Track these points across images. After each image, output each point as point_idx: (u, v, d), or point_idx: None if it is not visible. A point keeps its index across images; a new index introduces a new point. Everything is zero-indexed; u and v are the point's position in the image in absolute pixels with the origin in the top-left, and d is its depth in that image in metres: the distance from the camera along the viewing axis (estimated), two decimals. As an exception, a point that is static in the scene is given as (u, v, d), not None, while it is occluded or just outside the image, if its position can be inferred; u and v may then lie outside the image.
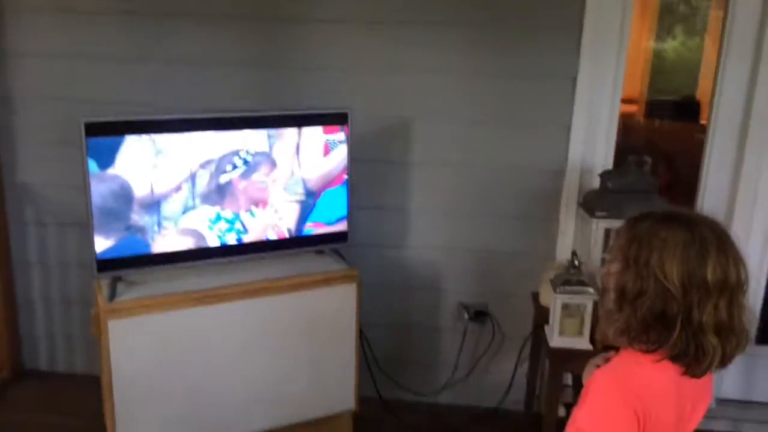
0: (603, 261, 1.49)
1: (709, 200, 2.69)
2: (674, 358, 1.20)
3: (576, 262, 2.23)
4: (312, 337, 2.42)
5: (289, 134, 2.34)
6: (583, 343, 2.24)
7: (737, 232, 1.25)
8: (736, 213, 2.66)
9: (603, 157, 2.65)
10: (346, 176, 2.45)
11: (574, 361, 2.22)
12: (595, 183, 2.54)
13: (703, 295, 1.17)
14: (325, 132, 2.39)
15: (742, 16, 2.52)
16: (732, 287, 1.18)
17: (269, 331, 2.36)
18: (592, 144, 2.62)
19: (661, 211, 1.27)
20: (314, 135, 2.37)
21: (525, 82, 2.58)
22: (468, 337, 2.85)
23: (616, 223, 2.23)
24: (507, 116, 2.63)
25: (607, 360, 1.42)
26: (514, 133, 2.64)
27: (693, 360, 1.19)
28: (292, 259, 2.48)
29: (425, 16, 2.56)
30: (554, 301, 2.23)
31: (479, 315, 2.82)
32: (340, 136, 2.41)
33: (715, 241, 1.18)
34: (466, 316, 2.82)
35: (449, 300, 2.86)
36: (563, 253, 2.65)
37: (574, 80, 2.54)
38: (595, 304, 2.18)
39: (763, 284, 2.75)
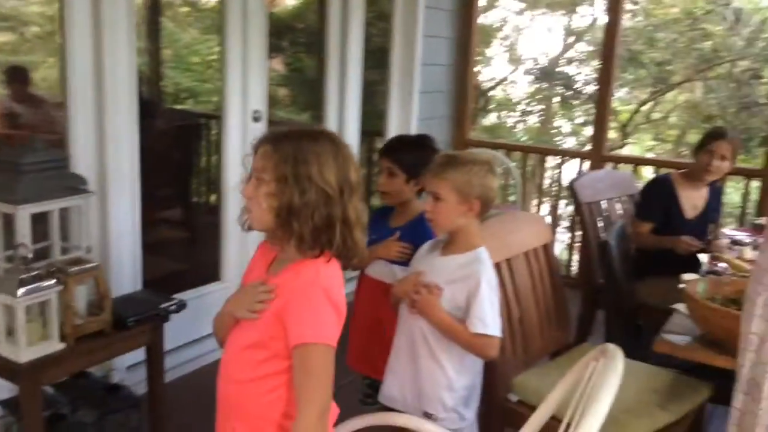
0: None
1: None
2: (338, 256, 1.35)
3: (27, 255, 1.88)
4: None
5: None
6: (56, 345, 1.94)
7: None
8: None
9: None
10: None
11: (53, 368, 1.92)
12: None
13: (350, 195, 1.35)
14: None
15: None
16: (360, 187, 1.40)
17: None
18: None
19: (296, 129, 1.38)
20: None
21: None
22: None
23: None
24: None
25: None
26: None
27: (350, 255, 1.37)
28: None
29: None
30: (15, 309, 1.83)
31: None
32: None
33: (345, 147, 1.37)
34: None
35: None
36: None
37: None
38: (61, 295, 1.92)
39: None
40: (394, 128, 4.53)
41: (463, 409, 1.84)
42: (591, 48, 9.57)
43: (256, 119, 3.45)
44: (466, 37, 4.89)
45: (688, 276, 2.34)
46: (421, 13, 4.41)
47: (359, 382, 2.39)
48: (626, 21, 7.20)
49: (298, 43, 4.70)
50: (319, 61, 4.09)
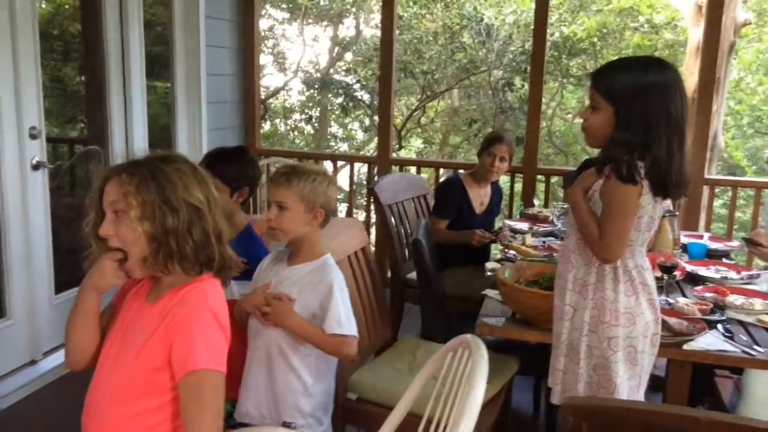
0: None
1: None
2: (219, 272, 1.32)
3: None
4: None
5: None
6: None
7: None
8: None
9: None
10: None
11: None
12: None
13: (215, 209, 1.33)
14: None
15: None
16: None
17: None
18: None
19: (144, 156, 1.35)
20: None
21: None
22: None
23: None
24: None
25: None
26: None
27: (229, 269, 1.34)
28: None
29: None
30: None
31: None
32: None
33: (196, 164, 1.39)
34: None
35: None
36: None
37: None
38: None
39: None
40: (183, 141, 4.38)
41: (321, 414, 1.88)
42: (359, 58, 10.04)
43: (33, 136, 3.14)
44: (249, 47, 4.88)
45: (490, 265, 2.61)
46: (202, 22, 4.32)
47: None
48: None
49: (53, 50, 4.31)
50: (82, 70, 3.82)
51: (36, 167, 3.21)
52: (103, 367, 1.35)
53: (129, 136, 3.83)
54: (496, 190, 3.63)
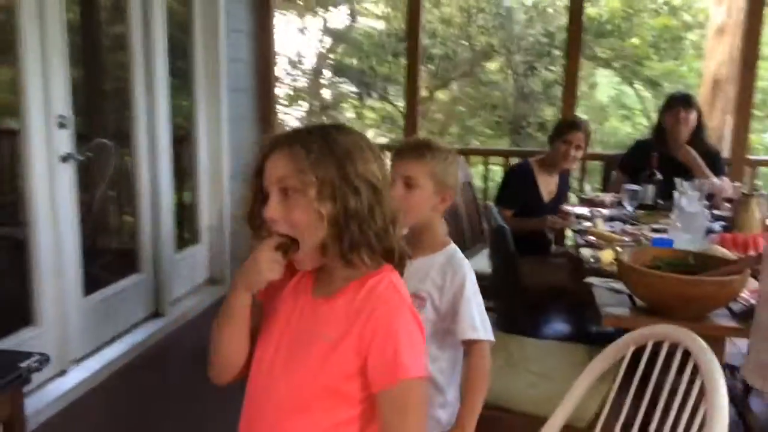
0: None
1: None
2: (399, 263, 1.11)
3: None
4: None
5: None
6: None
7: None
8: None
9: None
10: None
11: None
12: None
13: (388, 188, 1.13)
14: None
15: None
16: None
17: None
18: None
19: (309, 125, 1.14)
20: None
21: None
22: None
23: None
24: None
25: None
26: None
27: (405, 260, 1.13)
28: None
29: None
30: None
31: None
32: None
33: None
34: None
35: None
36: None
37: None
38: None
39: None
40: (203, 131, 4.13)
41: (452, 418, 1.67)
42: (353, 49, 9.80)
43: (62, 125, 2.86)
44: (266, 31, 4.63)
45: (587, 252, 2.43)
46: (222, 4, 4.07)
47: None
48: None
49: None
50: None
51: (65, 159, 2.93)
52: (269, 374, 1.14)
53: (153, 124, 3.55)
54: (564, 178, 3.47)
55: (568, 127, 3.31)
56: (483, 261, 3.03)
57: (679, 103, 3.46)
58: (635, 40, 8.22)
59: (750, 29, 4.04)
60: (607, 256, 2.27)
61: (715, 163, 3.45)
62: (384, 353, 1.06)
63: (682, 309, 1.78)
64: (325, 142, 1.08)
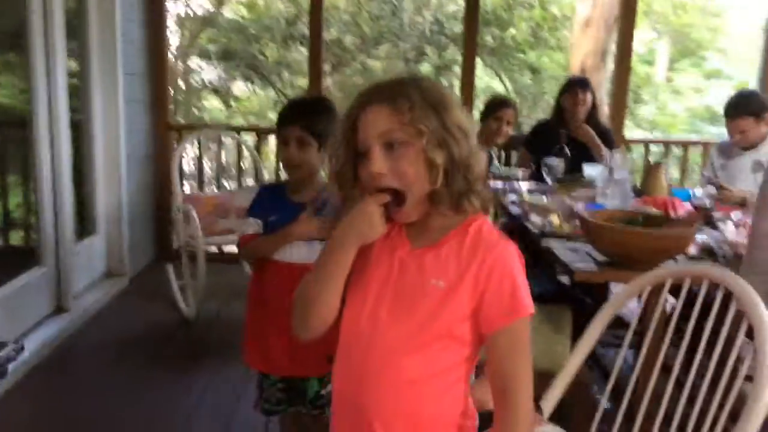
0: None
1: None
2: (486, 210, 1.13)
3: None
4: None
5: None
6: None
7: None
8: None
9: None
10: None
11: None
12: None
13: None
14: None
15: None
16: None
17: None
18: None
19: (398, 78, 1.13)
20: None
21: None
22: None
23: None
24: None
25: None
26: None
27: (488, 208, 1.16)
28: None
29: None
30: None
31: None
32: None
33: None
34: None
35: None
36: None
37: None
38: None
39: None
40: (99, 113, 3.85)
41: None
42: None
43: None
44: (158, 15, 4.39)
45: (536, 220, 2.55)
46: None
47: (261, 388, 2.01)
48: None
49: None
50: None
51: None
52: (373, 323, 1.13)
53: (52, 103, 3.26)
54: (489, 155, 3.63)
55: (498, 104, 3.47)
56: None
57: (576, 85, 3.73)
58: (513, 30, 8.72)
59: (625, 18, 4.41)
60: (556, 220, 2.40)
61: (608, 140, 3.76)
62: (501, 293, 1.07)
63: (645, 261, 1.93)
64: (422, 93, 1.07)
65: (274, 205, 1.88)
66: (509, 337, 1.09)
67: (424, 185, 1.08)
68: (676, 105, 9.73)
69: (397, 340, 1.11)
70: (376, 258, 1.15)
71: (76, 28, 3.64)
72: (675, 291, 1.50)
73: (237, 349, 3.43)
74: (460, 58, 4.54)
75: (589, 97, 3.73)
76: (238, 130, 4.93)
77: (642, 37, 9.52)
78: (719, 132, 8.33)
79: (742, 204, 2.82)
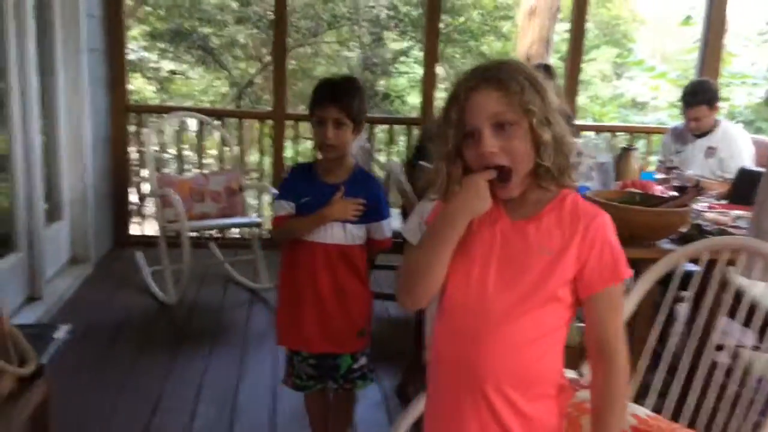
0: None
1: None
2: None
3: None
4: None
5: None
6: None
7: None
8: None
9: None
10: None
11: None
12: None
13: None
14: None
15: None
16: None
17: None
18: None
19: (497, 61, 1.23)
20: None
21: None
22: None
23: None
24: None
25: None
26: None
27: None
28: None
29: None
30: None
31: None
32: None
33: None
34: None
35: None
36: None
37: None
38: None
39: None
40: (62, 94, 3.71)
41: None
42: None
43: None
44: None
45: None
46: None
47: (292, 365, 2.04)
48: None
49: None
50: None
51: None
52: (481, 291, 1.21)
53: (23, 82, 3.13)
54: None
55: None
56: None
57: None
58: (462, 18, 8.86)
59: (578, 7, 4.60)
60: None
61: (570, 126, 3.94)
62: (603, 258, 1.17)
63: (644, 237, 2.10)
64: (526, 76, 1.16)
65: (307, 186, 1.91)
66: (609, 298, 1.20)
67: (530, 162, 1.17)
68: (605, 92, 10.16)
69: (508, 306, 1.19)
70: (477, 231, 1.23)
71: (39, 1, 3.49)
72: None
73: (227, 331, 3.42)
74: (414, 44, 4.62)
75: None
76: (206, 112, 4.80)
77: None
78: (641, 120, 8.77)
79: (697, 187, 3.05)
